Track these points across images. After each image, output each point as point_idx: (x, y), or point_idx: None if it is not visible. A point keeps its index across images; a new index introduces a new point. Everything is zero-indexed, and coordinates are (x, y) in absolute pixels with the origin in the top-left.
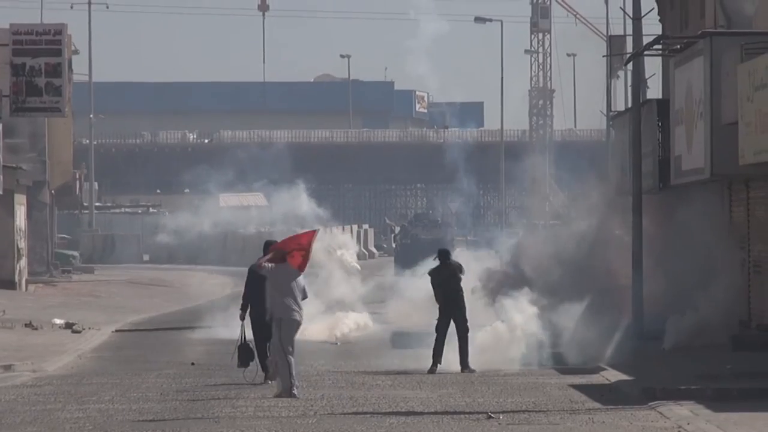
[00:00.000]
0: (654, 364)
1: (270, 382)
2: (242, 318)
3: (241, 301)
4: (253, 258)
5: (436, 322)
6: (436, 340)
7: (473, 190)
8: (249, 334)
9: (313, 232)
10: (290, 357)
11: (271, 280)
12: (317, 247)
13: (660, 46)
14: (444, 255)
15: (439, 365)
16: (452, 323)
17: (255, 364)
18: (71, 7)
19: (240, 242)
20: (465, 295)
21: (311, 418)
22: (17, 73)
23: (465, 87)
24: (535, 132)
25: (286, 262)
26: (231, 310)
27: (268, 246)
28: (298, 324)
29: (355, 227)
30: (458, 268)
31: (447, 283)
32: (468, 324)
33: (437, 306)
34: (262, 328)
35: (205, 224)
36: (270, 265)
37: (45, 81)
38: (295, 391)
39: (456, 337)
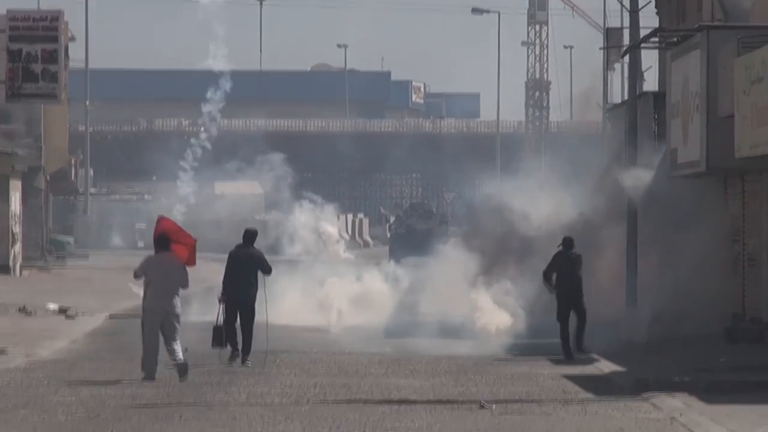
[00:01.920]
0: (646, 356)
1: (248, 364)
2: (221, 301)
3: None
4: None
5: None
6: (561, 329)
7: (469, 181)
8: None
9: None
10: (170, 342)
11: (152, 273)
12: (306, 234)
13: (657, 39)
14: (568, 243)
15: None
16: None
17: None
18: None
19: (235, 229)
20: None
21: (304, 406)
22: (14, 59)
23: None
24: (531, 123)
25: (170, 251)
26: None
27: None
28: (176, 316)
29: (350, 216)
30: (579, 260)
31: (570, 272)
32: (585, 307)
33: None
34: (234, 310)
35: (201, 211)
36: (157, 257)
37: (41, 67)
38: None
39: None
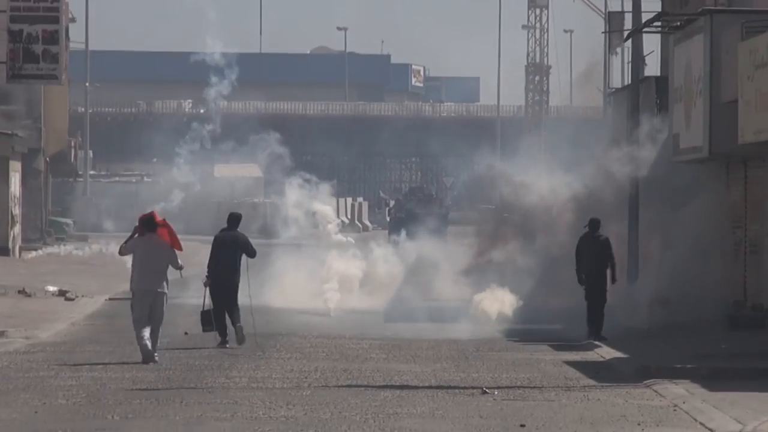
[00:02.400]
0: (648, 342)
1: (227, 346)
2: (206, 284)
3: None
4: (245, 227)
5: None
6: (588, 309)
7: (468, 165)
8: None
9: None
10: (157, 326)
11: (139, 254)
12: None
13: (660, 23)
14: (594, 225)
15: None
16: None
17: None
18: None
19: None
20: None
21: (305, 390)
22: (14, 39)
23: (461, 62)
24: (531, 108)
25: (156, 233)
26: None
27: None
28: (165, 296)
29: (349, 200)
30: (607, 243)
31: (596, 255)
32: (607, 296)
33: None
34: (220, 293)
35: (200, 194)
36: (144, 238)
37: (42, 48)
38: (156, 358)
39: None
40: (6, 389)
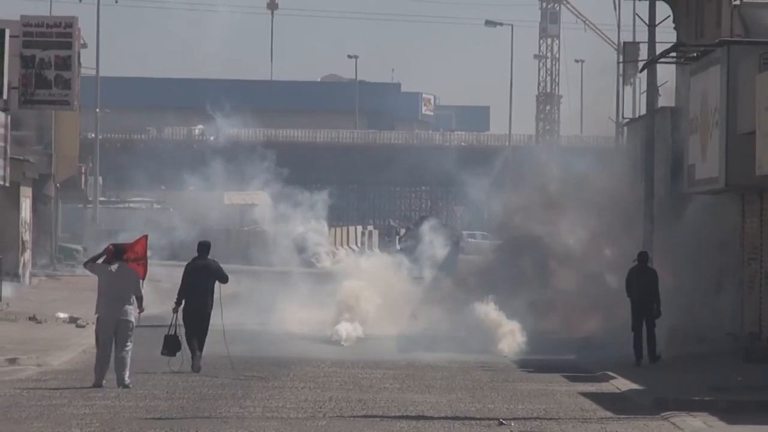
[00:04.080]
0: (663, 374)
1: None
2: (175, 311)
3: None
4: (256, 255)
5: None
6: (634, 337)
7: (478, 194)
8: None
9: (144, 238)
10: (125, 352)
11: (106, 281)
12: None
13: (675, 54)
14: (643, 258)
15: (641, 359)
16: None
17: (181, 354)
18: (80, 1)
19: (243, 239)
20: None
21: (320, 420)
22: (27, 65)
23: (471, 91)
24: (542, 137)
25: (124, 262)
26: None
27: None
28: (132, 325)
29: (359, 228)
30: (654, 275)
31: (644, 286)
32: (655, 322)
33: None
34: (193, 320)
35: (209, 221)
36: (111, 266)
37: (54, 74)
38: (127, 381)
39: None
40: (19, 417)
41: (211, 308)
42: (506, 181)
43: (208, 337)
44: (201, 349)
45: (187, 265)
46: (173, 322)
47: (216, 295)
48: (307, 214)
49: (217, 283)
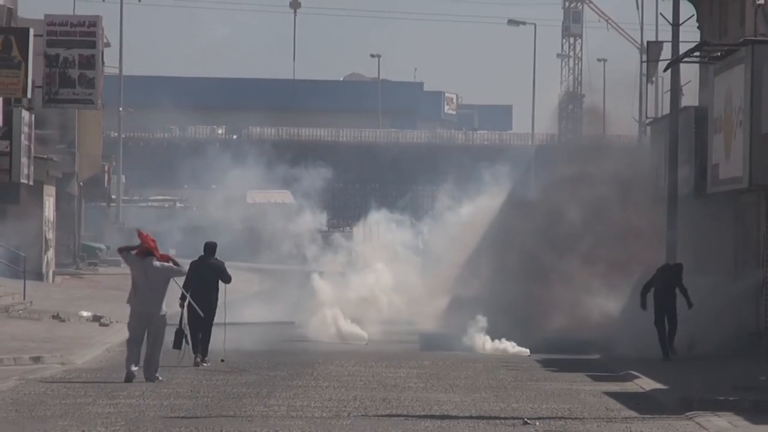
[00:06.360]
0: (685, 373)
1: (205, 365)
2: (181, 306)
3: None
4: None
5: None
6: (659, 333)
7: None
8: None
9: (141, 234)
10: (156, 349)
11: (139, 274)
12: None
13: (699, 54)
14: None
15: (668, 354)
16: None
17: (183, 346)
18: (103, 0)
19: (267, 239)
20: None
21: (345, 420)
22: (51, 64)
23: (494, 90)
24: (564, 136)
25: (153, 256)
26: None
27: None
28: (165, 321)
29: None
30: (679, 269)
31: (668, 284)
32: (677, 317)
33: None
34: (198, 317)
35: (232, 220)
36: (145, 260)
37: (78, 73)
38: (158, 375)
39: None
40: (44, 416)
41: (216, 306)
42: (530, 181)
43: (226, 333)
44: (207, 343)
45: (192, 262)
46: (182, 317)
47: (223, 298)
48: (329, 212)
49: (221, 285)
